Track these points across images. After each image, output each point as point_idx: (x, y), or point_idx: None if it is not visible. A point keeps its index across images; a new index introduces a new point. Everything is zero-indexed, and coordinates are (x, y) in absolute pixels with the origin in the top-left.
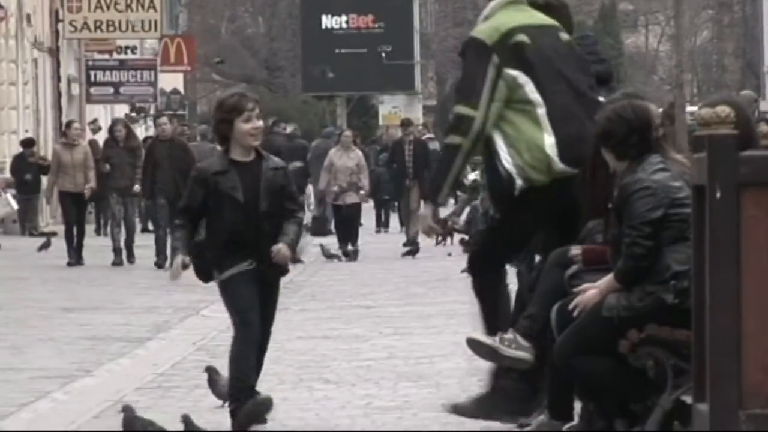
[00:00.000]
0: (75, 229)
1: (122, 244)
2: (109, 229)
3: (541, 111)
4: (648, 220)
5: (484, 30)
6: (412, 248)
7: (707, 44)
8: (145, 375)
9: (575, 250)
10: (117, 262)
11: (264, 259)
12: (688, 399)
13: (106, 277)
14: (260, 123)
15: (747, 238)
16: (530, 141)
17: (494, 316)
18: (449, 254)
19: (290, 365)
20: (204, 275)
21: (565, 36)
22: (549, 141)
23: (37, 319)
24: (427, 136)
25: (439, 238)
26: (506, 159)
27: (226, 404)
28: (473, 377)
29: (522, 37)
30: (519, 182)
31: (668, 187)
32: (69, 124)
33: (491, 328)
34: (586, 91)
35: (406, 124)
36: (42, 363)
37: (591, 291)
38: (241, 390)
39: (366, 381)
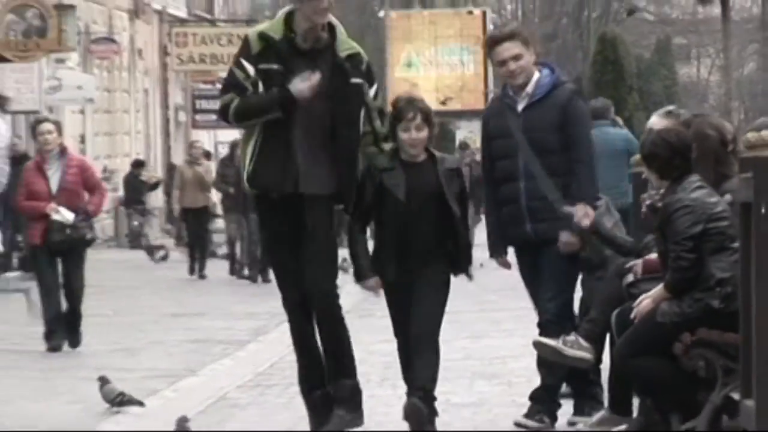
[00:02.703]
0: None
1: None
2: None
3: None
4: (689, 236)
5: None
6: None
7: (753, 74)
8: (245, 374)
9: (635, 262)
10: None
11: None
12: (736, 395)
13: (211, 287)
14: (421, 134)
15: None
16: None
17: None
18: (481, 264)
19: (375, 365)
20: None
21: None
22: None
23: (148, 325)
24: None
25: None
26: None
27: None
28: None
29: None
30: None
31: (705, 203)
32: (192, 144)
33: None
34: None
35: (464, 146)
36: (152, 364)
37: (645, 301)
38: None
39: (444, 380)
